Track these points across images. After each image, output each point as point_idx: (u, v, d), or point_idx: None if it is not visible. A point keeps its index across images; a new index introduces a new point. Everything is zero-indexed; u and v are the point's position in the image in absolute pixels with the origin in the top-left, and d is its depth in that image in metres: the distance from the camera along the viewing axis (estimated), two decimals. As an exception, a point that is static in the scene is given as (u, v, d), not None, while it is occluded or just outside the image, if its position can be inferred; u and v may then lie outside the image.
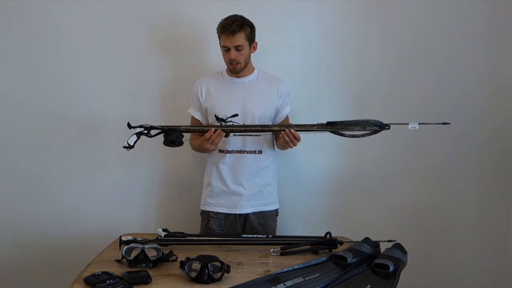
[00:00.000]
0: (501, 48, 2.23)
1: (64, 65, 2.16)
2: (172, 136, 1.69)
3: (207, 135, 1.70)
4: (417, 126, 1.65)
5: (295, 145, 1.77)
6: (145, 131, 1.68)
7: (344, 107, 2.23)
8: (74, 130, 2.18)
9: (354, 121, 1.71)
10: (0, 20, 2.12)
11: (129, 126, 1.67)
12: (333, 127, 1.71)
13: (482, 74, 2.24)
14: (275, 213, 2.00)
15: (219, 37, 1.82)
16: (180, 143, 1.72)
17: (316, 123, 1.74)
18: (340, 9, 2.18)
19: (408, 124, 1.66)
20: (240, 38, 1.77)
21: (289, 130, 1.71)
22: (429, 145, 2.22)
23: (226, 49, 1.81)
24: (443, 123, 1.69)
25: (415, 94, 2.23)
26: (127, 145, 1.65)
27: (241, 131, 1.79)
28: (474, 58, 2.23)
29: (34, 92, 2.16)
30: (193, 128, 1.80)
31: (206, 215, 1.95)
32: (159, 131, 1.70)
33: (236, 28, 1.75)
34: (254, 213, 1.92)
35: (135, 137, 1.66)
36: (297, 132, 1.73)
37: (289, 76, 2.07)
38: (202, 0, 2.14)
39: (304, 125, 1.74)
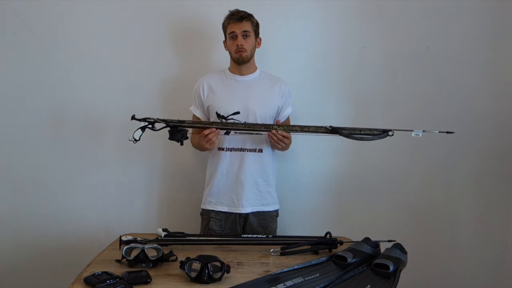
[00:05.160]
0: (501, 48, 2.23)
1: (63, 64, 2.16)
2: (176, 136, 1.70)
3: (205, 132, 1.72)
4: (420, 134, 1.63)
5: (285, 144, 1.79)
6: (150, 125, 1.68)
7: (344, 106, 2.23)
8: (74, 130, 2.18)
9: (357, 128, 1.70)
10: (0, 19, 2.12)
11: (134, 118, 1.67)
12: (337, 132, 1.70)
13: (482, 74, 2.24)
14: (275, 214, 1.99)
15: (226, 26, 1.87)
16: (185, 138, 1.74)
17: (318, 124, 1.73)
18: (340, 9, 2.19)
19: (412, 131, 1.64)
20: (248, 25, 1.85)
21: (276, 131, 1.73)
22: (429, 145, 2.22)
23: (233, 36, 1.85)
24: (447, 132, 1.67)
25: (415, 94, 2.23)
26: (132, 139, 1.65)
27: (243, 130, 1.78)
28: (474, 58, 2.23)
29: (33, 92, 2.16)
30: (197, 124, 1.79)
31: (206, 215, 1.94)
32: (163, 125, 1.70)
33: (244, 14, 1.84)
34: (254, 213, 1.92)
35: (140, 131, 1.67)
36: (286, 132, 1.75)
37: (288, 76, 2.07)
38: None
39: (309, 127, 1.73)
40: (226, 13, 1.87)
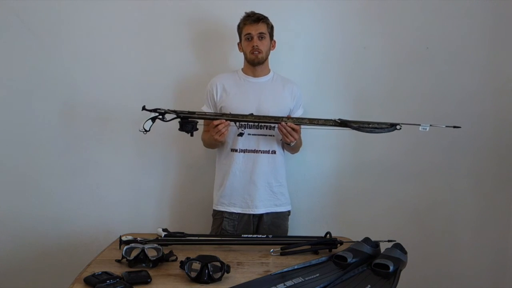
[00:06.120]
0: (501, 48, 2.23)
1: (66, 64, 2.15)
2: (187, 127, 1.69)
3: (215, 122, 1.71)
4: (427, 128, 1.64)
5: (295, 138, 1.77)
6: (160, 116, 1.67)
7: (345, 107, 2.23)
8: (75, 130, 2.18)
9: (365, 122, 1.71)
10: (0, 17, 2.12)
11: (144, 109, 1.66)
12: (346, 125, 1.71)
13: (482, 73, 2.24)
14: (287, 213, 2.01)
15: (242, 28, 1.87)
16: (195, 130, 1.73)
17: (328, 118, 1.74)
18: (341, 10, 2.19)
19: (419, 125, 1.64)
20: (263, 27, 1.86)
21: (285, 123, 1.73)
22: (430, 145, 2.22)
23: (249, 37, 1.85)
24: (454, 127, 1.68)
25: (415, 94, 2.23)
26: (143, 130, 1.65)
27: (253, 122, 1.79)
28: (474, 58, 2.23)
29: (34, 92, 2.16)
30: (208, 116, 1.77)
31: (219, 216, 1.94)
32: (174, 116, 1.69)
33: (260, 16, 1.85)
34: (268, 213, 1.92)
35: (150, 122, 1.66)
36: (297, 125, 1.74)
37: (289, 76, 2.07)
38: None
39: (318, 120, 1.73)
40: (240, 15, 1.87)
